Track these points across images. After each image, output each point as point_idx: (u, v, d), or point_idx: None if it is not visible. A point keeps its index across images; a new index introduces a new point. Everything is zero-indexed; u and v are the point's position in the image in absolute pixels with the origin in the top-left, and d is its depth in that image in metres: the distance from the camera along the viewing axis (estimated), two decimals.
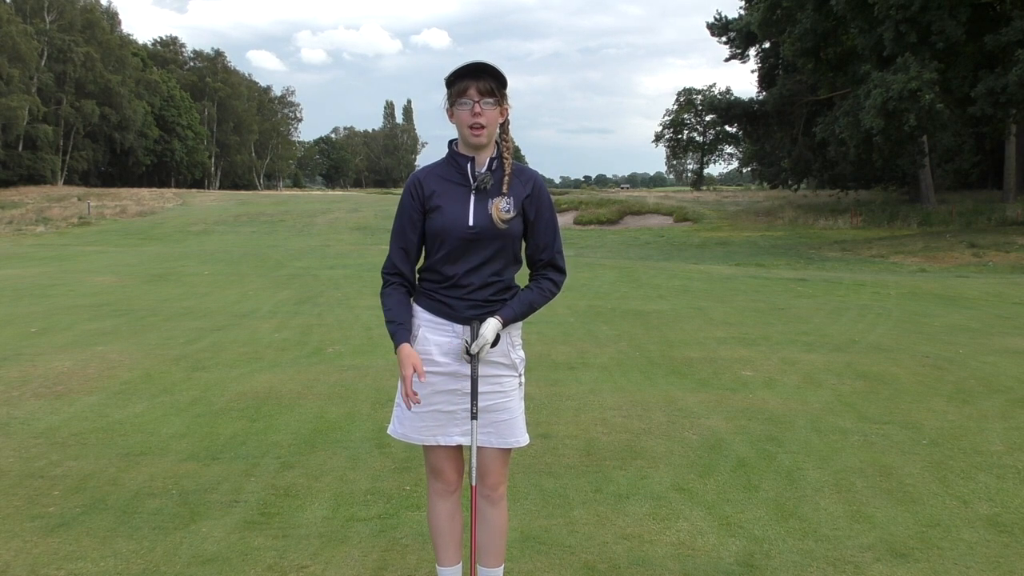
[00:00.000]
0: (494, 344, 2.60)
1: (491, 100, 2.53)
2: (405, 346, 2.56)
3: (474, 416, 2.60)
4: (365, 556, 3.34)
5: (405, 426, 2.68)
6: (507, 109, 2.62)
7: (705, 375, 6.80)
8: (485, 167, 2.61)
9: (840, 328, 9.54)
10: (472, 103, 2.52)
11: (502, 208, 2.59)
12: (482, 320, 2.59)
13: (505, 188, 2.61)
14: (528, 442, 2.75)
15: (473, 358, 2.57)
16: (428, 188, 2.63)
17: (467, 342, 2.58)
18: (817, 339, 8.67)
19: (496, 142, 2.65)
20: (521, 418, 2.72)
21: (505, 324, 2.61)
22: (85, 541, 3.50)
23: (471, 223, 2.57)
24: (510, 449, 2.72)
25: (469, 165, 2.62)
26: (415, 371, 2.53)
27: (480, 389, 2.62)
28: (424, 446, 2.72)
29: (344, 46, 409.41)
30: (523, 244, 2.71)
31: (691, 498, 3.99)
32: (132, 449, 4.78)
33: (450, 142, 2.70)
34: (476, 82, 2.52)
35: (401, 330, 2.59)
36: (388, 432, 2.77)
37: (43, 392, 6.18)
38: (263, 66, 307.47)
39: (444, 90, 2.62)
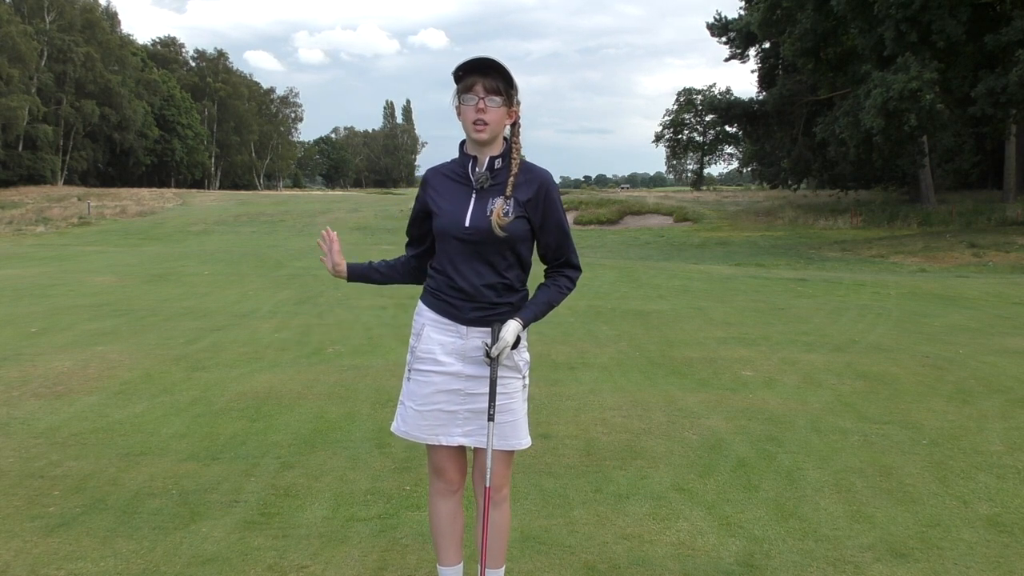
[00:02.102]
0: (514, 346, 2.58)
1: (497, 98, 2.51)
2: (345, 268, 2.81)
3: (491, 418, 2.58)
4: (365, 556, 3.35)
5: (408, 424, 2.69)
6: (516, 112, 2.59)
7: (705, 375, 6.80)
8: (484, 166, 2.59)
9: (840, 328, 9.54)
10: (477, 99, 2.50)
11: (502, 213, 2.55)
12: (502, 322, 2.58)
13: (509, 191, 2.57)
14: (530, 444, 2.74)
15: (493, 361, 2.56)
16: (432, 186, 2.66)
17: (487, 345, 2.56)
18: (817, 339, 8.67)
19: (505, 138, 2.62)
20: (524, 420, 2.71)
21: (525, 326, 2.60)
22: (85, 541, 3.50)
23: (467, 224, 2.55)
24: (512, 451, 2.71)
25: (471, 164, 2.61)
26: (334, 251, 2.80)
27: (483, 390, 2.61)
28: (427, 445, 2.72)
29: (342, 46, 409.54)
30: (532, 245, 2.69)
31: (691, 498, 3.99)
32: (132, 449, 4.78)
33: (461, 142, 2.69)
34: (483, 79, 2.50)
35: (364, 264, 2.85)
36: (391, 430, 2.78)
37: (43, 392, 6.18)
38: (261, 66, 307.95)
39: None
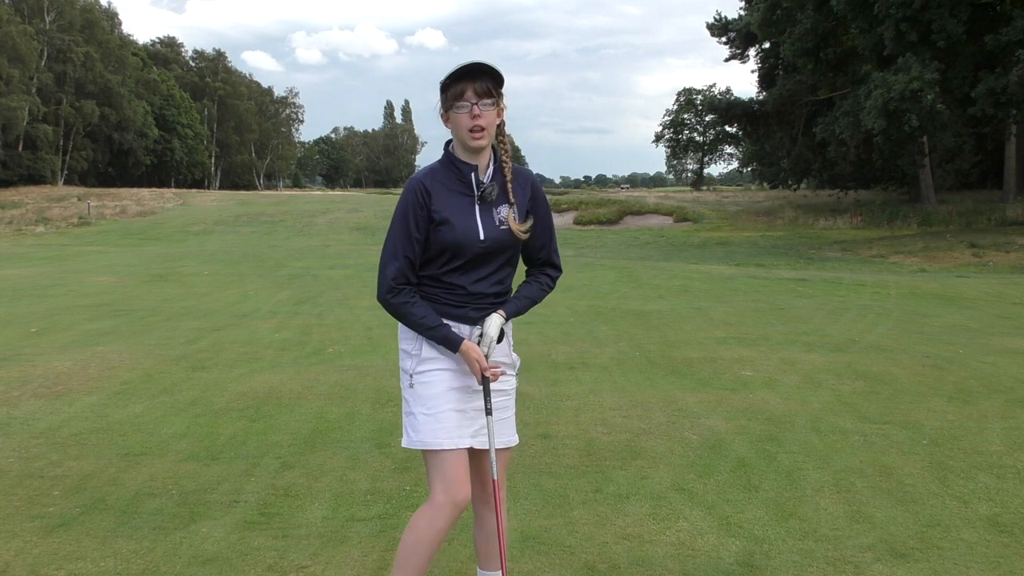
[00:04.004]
0: (500, 339, 2.59)
1: (489, 101, 2.46)
2: (467, 342, 2.51)
3: (489, 412, 2.56)
4: (365, 556, 3.35)
5: (421, 431, 2.52)
6: (503, 109, 2.54)
7: (705, 375, 6.80)
8: (488, 176, 2.55)
9: (840, 328, 9.54)
10: (470, 105, 2.44)
11: (515, 218, 2.56)
12: (485, 317, 2.57)
13: (511, 197, 2.56)
14: (519, 441, 2.74)
15: (485, 358, 2.56)
16: (433, 196, 2.51)
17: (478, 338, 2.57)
18: (817, 339, 8.67)
19: (492, 145, 2.58)
20: (514, 417, 2.71)
21: (508, 319, 2.60)
22: (85, 541, 3.50)
23: (482, 237, 2.51)
24: (509, 449, 2.71)
25: (473, 174, 2.53)
26: (480, 365, 2.51)
27: (480, 386, 2.59)
28: (436, 457, 2.52)
29: (340, 46, 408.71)
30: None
31: (691, 498, 3.99)
32: (132, 449, 4.78)
33: (447, 144, 2.60)
34: (473, 83, 2.44)
35: (451, 331, 2.51)
36: (403, 445, 2.59)
37: (43, 392, 6.18)
38: (259, 66, 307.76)
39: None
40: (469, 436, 2.57)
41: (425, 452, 2.55)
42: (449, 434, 2.52)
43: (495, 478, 2.59)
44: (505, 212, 2.56)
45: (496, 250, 2.54)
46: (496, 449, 2.63)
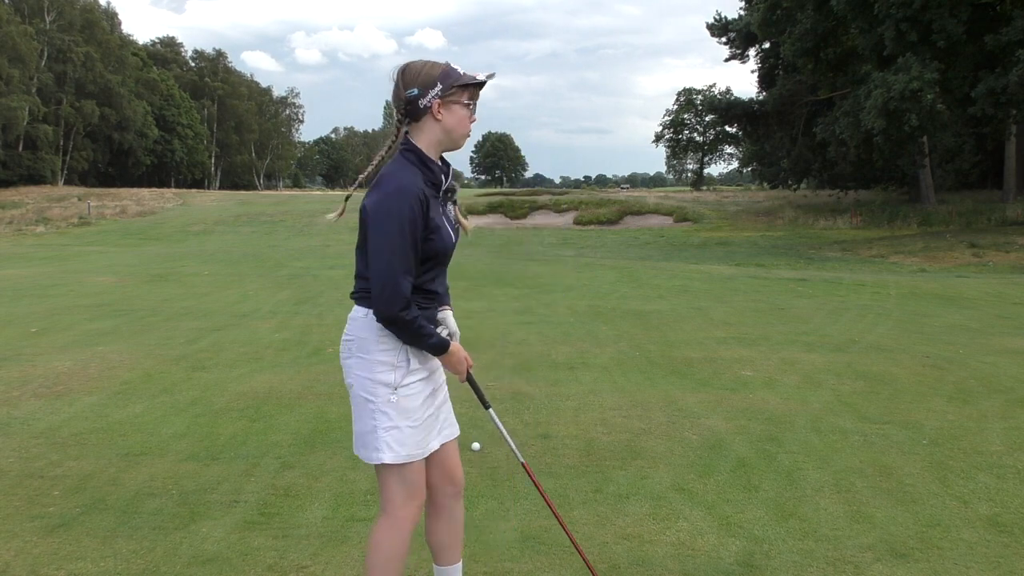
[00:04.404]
0: None
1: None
2: (454, 343, 2.54)
3: (488, 405, 2.68)
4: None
5: (407, 445, 2.45)
6: None
7: (705, 375, 6.80)
8: (449, 176, 2.51)
9: (840, 328, 9.54)
10: (474, 109, 2.48)
11: (461, 215, 2.59)
12: (440, 314, 2.61)
13: (456, 196, 2.58)
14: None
15: None
16: (430, 204, 2.39)
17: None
18: (817, 339, 8.67)
19: None
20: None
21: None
22: (85, 541, 3.50)
23: (454, 240, 2.53)
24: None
25: (444, 175, 2.48)
26: (469, 363, 2.61)
27: (443, 379, 2.65)
28: (407, 466, 2.48)
29: (339, 47, 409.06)
30: None
31: (691, 498, 3.99)
32: (132, 449, 4.78)
33: (416, 147, 2.44)
34: (479, 90, 2.49)
35: (442, 336, 2.50)
36: (388, 462, 2.44)
37: (43, 392, 6.18)
38: (259, 67, 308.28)
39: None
40: (436, 434, 2.59)
41: (393, 465, 2.46)
42: (428, 441, 2.53)
43: (523, 461, 2.77)
44: (453, 211, 2.56)
45: (453, 251, 2.55)
46: (455, 438, 2.67)
